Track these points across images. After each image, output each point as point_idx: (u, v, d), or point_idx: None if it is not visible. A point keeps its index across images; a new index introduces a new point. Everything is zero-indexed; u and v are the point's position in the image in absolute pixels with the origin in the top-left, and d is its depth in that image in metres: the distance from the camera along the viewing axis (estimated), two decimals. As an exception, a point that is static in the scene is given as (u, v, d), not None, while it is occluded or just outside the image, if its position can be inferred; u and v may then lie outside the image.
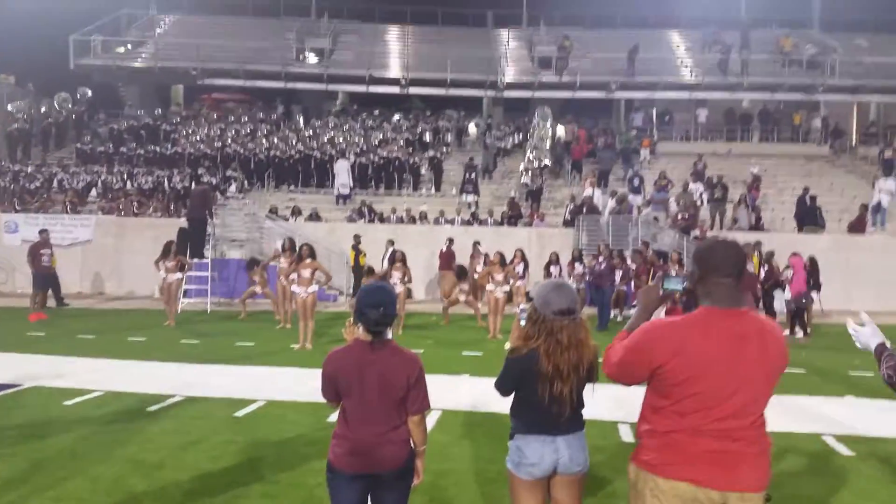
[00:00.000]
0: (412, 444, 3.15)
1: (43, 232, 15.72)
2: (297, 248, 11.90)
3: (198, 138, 24.39)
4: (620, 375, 2.60)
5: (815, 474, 5.52)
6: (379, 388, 3.03)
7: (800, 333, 13.13)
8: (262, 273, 14.71)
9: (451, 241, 17.14)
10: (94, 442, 5.96)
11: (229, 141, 23.90)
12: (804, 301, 13.16)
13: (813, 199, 18.82)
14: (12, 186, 21.31)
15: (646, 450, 2.51)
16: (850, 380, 9.32)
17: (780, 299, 14.37)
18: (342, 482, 3.07)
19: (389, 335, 3.16)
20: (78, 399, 7.46)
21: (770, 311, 14.48)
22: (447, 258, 16.78)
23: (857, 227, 18.40)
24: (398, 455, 3.06)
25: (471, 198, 21.02)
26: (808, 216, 18.49)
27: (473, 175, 21.51)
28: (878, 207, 19.54)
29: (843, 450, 6.16)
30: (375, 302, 3.06)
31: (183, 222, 17.00)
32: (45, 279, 15.00)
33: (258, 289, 14.62)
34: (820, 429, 6.82)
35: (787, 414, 7.40)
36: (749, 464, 2.42)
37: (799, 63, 27.12)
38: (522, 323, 3.10)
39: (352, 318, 3.20)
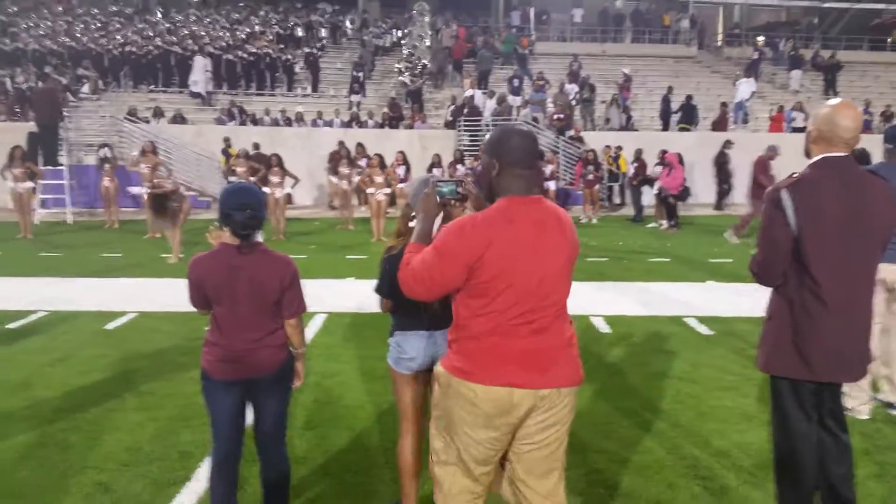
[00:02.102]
0: (290, 348, 3.07)
1: None
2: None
3: (41, 32, 21.97)
4: (432, 286, 2.39)
5: (679, 353, 5.94)
6: (250, 293, 2.90)
7: (665, 224, 13.93)
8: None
9: (341, 143, 16.55)
10: (-54, 364, 5.50)
11: (79, 35, 21.70)
12: (683, 196, 13.86)
13: (689, 97, 19.60)
14: None
15: (458, 356, 2.40)
16: (711, 266, 10.03)
17: (649, 194, 15.15)
18: (218, 389, 2.97)
19: (260, 238, 3.01)
20: (-77, 320, 6.83)
21: (638, 205, 15.27)
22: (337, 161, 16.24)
23: (719, 124, 19.43)
24: (274, 359, 2.98)
25: (357, 98, 20.38)
26: (686, 114, 19.28)
27: (360, 74, 20.78)
28: (739, 105, 20.69)
29: (704, 330, 6.67)
30: (241, 204, 2.86)
31: (31, 126, 15.52)
32: None
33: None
34: (683, 311, 7.33)
35: (653, 299, 7.93)
36: (562, 359, 2.40)
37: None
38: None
39: (216, 223, 3.00)
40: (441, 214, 2.67)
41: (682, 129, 19.18)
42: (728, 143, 16.57)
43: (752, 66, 23.18)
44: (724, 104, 19.82)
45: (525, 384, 2.33)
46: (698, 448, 4.10)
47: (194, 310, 3.07)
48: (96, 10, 24.30)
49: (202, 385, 3.01)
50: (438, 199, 2.59)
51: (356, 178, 14.47)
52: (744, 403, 4.80)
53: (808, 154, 2.84)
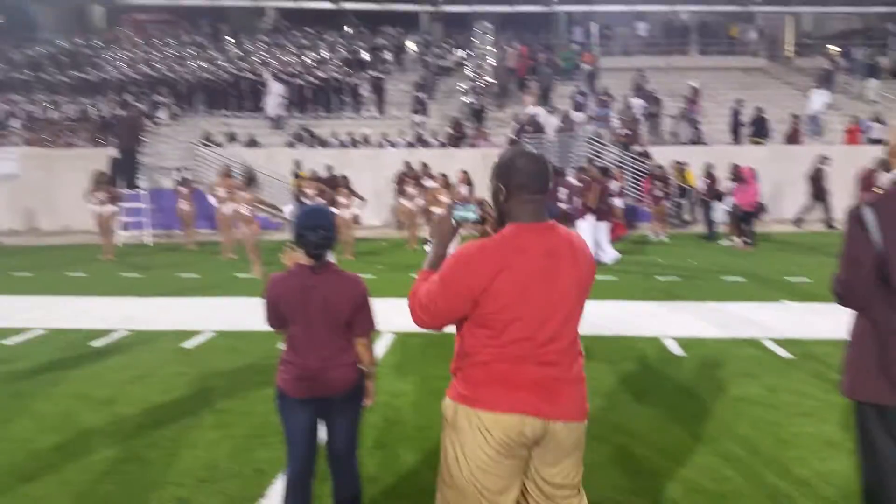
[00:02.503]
0: (361, 367, 3.13)
1: (-37, 166, 14.87)
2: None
3: (122, 63, 23.08)
4: (437, 316, 2.33)
5: (757, 377, 5.75)
6: (323, 312, 2.97)
7: (739, 241, 13.55)
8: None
9: (408, 164, 16.78)
10: (38, 380, 5.79)
11: (156, 64, 22.71)
12: (758, 212, 13.48)
13: (760, 110, 19.11)
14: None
15: (465, 384, 2.33)
16: (788, 286, 9.68)
17: (720, 210, 14.77)
18: (292, 407, 3.05)
19: (332, 258, 3.08)
20: (18, 338, 7.21)
21: (708, 221, 14.89)
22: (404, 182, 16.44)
23: (792, 137, 18.83)
24: (346, 378, 3.04)
25: (419, 118, 20.66)
26: (757, 128, 18.79)
27: (423, 95, 21.07)
28: (812, 118, 20.02)
29: (782, 352, 6.44)
30: (314, 224, 2.97)
31: (113, 152, 16.29)
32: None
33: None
34: (759, 333, 7.10)
35: (728, 320, 7.70)
36: (570, 391, 2.33)
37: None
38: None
39: (291, 244, 3.10)
40: (458, 239, 2.61)
41: (754, 143, 18.66)
42: (824, 159, 15.95)
43: (826, 77, 22.41)
44: (796, 116, 19.20)
45: (536, 413, 2.26)
46: (778, 476, 3.95)
47: (269, 329, 3.16)
48: (172, 40, 25.35)
49: (277, 403, 3.09)
50: (455, 222, 2.50)
51: (422, 199, 14.63)
52: (826, 430, 4.60)
53: (887, 167, 2.72)
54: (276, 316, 3.07)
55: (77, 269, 11.77)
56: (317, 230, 2.96)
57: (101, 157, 16.41)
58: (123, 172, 15.37)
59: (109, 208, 13.15)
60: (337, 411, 3.07)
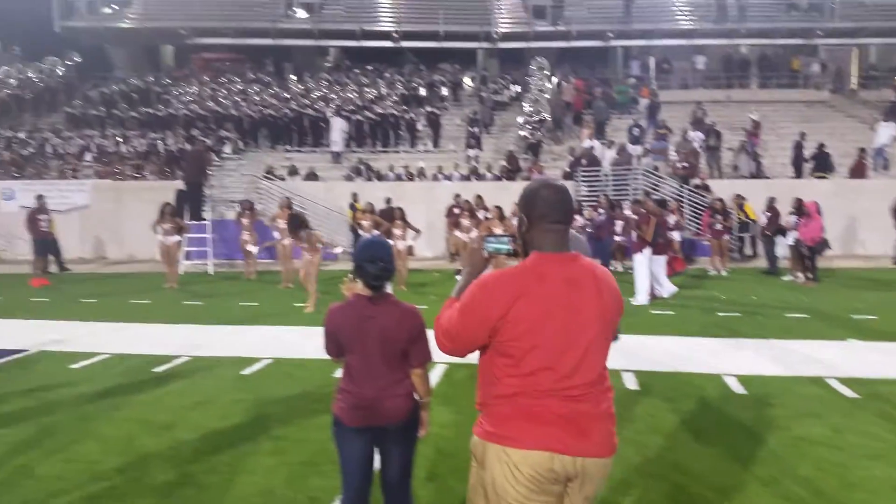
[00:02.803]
0: (416, 397, 3.15)
1: (40, 198, 15.64)
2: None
3: (189, 99, 24.03)
4: (457, 342, 2.36)
5: (821, 416, 5.55)
6: (380, 343, 3.02)
7: (801, 277, 13.16)
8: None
9: (457, 196, 16.91)
10: (103, 404, 5.99)
11: (222, 101, 23.57)
12: (821, 247, 13.10)
13: (821, 145, 18.66)
14: (6, 154, 21.11)
15: (492, 420, 2.31)
16: (853, 323, 9.34)
17: (782, 244, 14.39)
18: (348, 436, 3.08)
19: (389, 289, 3.14)
20: (84, 362, 7.48)
21: (772, 257, 14.52)
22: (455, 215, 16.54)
23: (857, 171, 18.29)
24: (402, 408, 3.07)
25: (473, 152, 20.85)
26: (819, 163, 18.35)
27: (477, 129, 21.30)
28: (879, 151, 19.43)
29: (847, 392, 6.20)
30: (373, 256, 3.04)
31: (180, 184, 16.88)
32: (45, 244, 14.99)
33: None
34: (824, 372, 6.85)
35: (791, 358, 7.46)
36: (600, 427, 2.30)
37: (797, 7, 26.62)
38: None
39: (350, 275, 3.17)
40: (489, 270, 2.59)
41: (818, 178, 18.19)
42: None
43: (892, 109, 21.74)
44: (862, 150, 18.66)
45: (566, 450, 2.23)
46: (846, 521, 3.79)
47: (326, 357, 3.23)
48: (237, 78, 26.29)
49: (333, 431, 3.13)
50: (487, 254, 2.52)
51: (475, 232, 14.68)
52: (895, 474, 4.41)
53: None
54: (334, 345, 3.13)
55: (142, 296, 12.17)
56: (376, 262, 3.03)
57: (168, 189, 17.01)
58: (189, 204, 15.89)
59: (174, 239, 13.61)
60: (392, 441, 3.10)
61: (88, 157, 21.22)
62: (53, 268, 15.53)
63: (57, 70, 26.14)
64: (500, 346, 2.28)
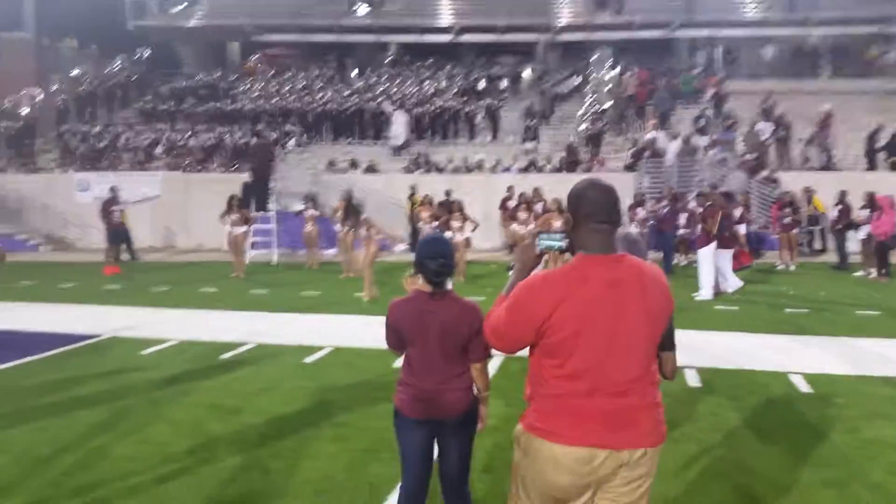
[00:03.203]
0: (475, 391, 3.18)
1: (113, 189, 16.27)
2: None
3: (255, 94, 24.58)
4: (505, 340, 2.42)
5: (893, 419, 5.35)
6: (440, 337, 3.06)
7: (874, 273, 12.68)
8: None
9: (510, 189, 16.86)
10: (173, 389, 6.23)
11: (287, 96, 24.03)
12: (894, 242, 12.60)
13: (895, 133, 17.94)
14: (81, 147, 22.04)
15: (537, 415, 2.37)
16: (930, 322, 8.96)
17: (854, 239, 13.87)
18: (408, 427, 3.14)
19: (450, 286, 3.17)
20: (155, 348, 7.78)
21: (842, 252, 14.01)
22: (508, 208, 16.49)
23: (935, 163, 17.45)
24: (461, 402, 3.10)
25: (531, 144, 20.73)
26: (893, 148, 17.60)
27: (534, 121, 21.18)
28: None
29: (923, 393, 5.96)
30: (435, 253, 3.08)
31: (246, 177, 17.32)
32: (118, 234, 15.60)
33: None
34: (894, 372, 6.59)
35: (861, 357, 7.21)
36: (644, 418, 2.32)
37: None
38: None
39: (412, 270, 3.22)
40: (542, 267, 2.60)
41: (893, 165, 17.42)
42: None
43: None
44: (942, 141, 17.77)
45: (607, 444, 2.26)
46: (919, 526, 3.66)
47: (384, 346, 3.29)
48: (302, 73, 26.75)
49: (394, 422, 3.20)
50: (539, 250, 2.53)
51: (532, 225, 14.59)
52: (976, 480, 4.22)
53: None
54: (395, 338, 3.19)
55: (209, 285, 12.57)
56: (437, 259, 3.07)
57: (234, 181, 17.48)
58: (255, 196, 16.30)
59: (241, 229, 13.99)
60: (450, 434, 3.14)
61: (159, 149, 21.95)
62: (125, 256, 16.16)
63: (129, 66, 27.09)
64: (546, 347, 2.32)
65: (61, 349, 7.79)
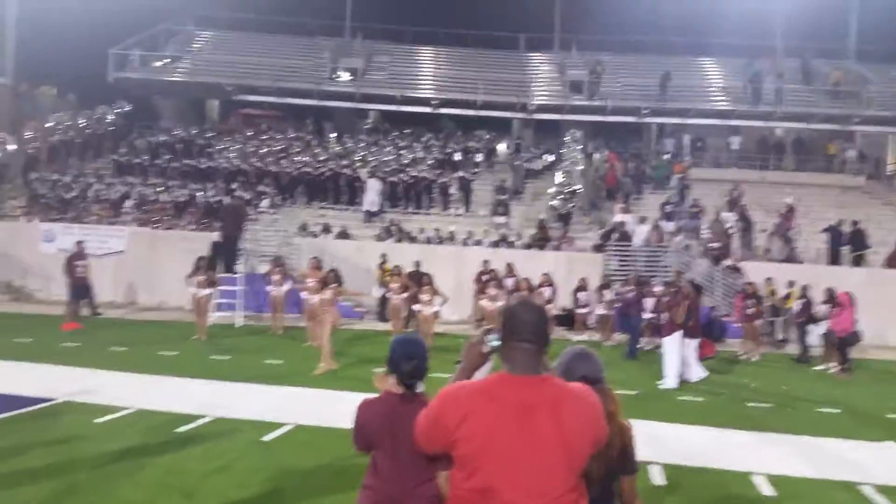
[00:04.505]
0: (440, 499, 3.11)
1: (79, 243, 16.01)
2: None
3: (232, 154, 24.65)
4: (424, 444, 2.47)
5: (854, 528, 5.36)
6: (409, 442, 2.97)
7: (834, 367, 12.90)
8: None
9: (486, 263, 16.94)
10: (125, 464, 6.01)
11: (264, 157, 24.13)
12: (852, 339, 12.87)
13: (855, 223, 18.56)
14: (50, 195, 21.75)
15: None
16: (890, 423, 9.08)
17: (815, 333, 14.14)
18: None
19: (421, 388, 3.14)
20: (109, 416, 7.53)
21: (803, 345, 14.24)
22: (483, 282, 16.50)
23: (893, 261, 18.03)
24: None
25: (501, 219, 21.00)
26: (856, 241, 18.20)
27: (505, 196, 21.51)
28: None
29: (883, 502, 5.99)
30: (409, 353, 3.05)
31: (215, 236, 17.18)
32: (80, 289, 15.25)
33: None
34: (857, 477, 6.63)
35: (823, 459, 7.26)
36: None
37: (834, 93, 26.77)
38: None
39: (384, 368, 3.18)
40: (489, 364, 2.61)
41: (856, 258, 17.97)
42: None
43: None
44: (901, 239, 18.44)
45: None
46: None
47: (347, 426, 3.21)
48: (280, 135, 26.98)
49: (356, 529, 3.09)
50: (487, 349, 2.55)
51: (501, 302, 14.65)
52: None
53: None
54: (363, 439, 3.13)
55: (170, 347, 12.26)
56: (411, 360, 3.04)
57: (203, 239, 17.33)
58: (224, 256, 16.13)
59: (206, 292, 13.78)
60: (413, 541, 3.05)
61: (129, 203, 21.74)
62: (85, 311, 15.77)
63: (106, 118, 27.06)
64: (456, 459, 2.34)
65: (10, 413, 7.50)
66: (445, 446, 2.34)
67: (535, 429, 2.24)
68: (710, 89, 28.07)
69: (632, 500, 2.86)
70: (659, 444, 7.18)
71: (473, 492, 2.28)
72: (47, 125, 25.86)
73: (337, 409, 8.00)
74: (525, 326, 2.35)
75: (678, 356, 10.97)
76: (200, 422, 7.51)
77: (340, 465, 6.14)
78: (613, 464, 2.77)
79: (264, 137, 26.62)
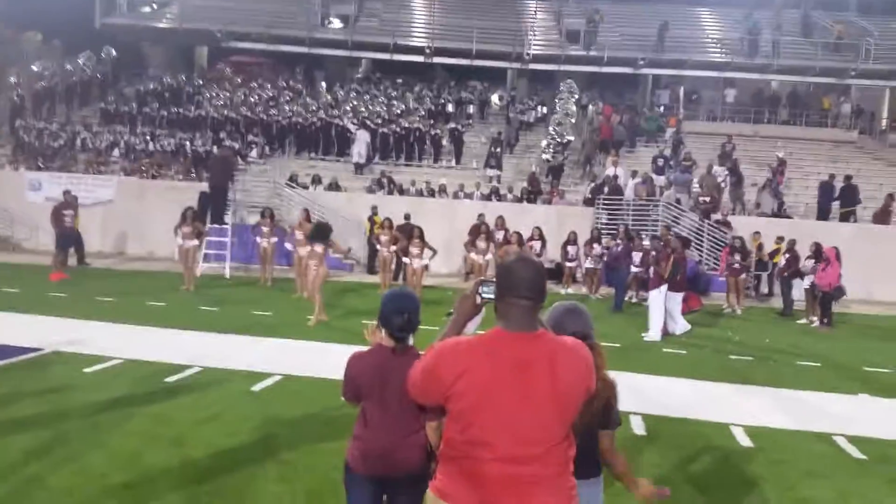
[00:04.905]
0: (429, 449, 3.18)
1: (67, 192, 15.89)
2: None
3: (221, 102, 24.30)
4: (419, 397, 2.53)
5: (827, 477, 5.52)
6: (399, 394, 3.04)
7: (816, 322, 13.09)
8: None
9: (481, 217, 16.88)
10: (114, 414, 6.08)
11: (253, 106, 23.79)
12: (837, 294, 13.02)
13: (849, 177, 18.55)
14: (37, 144, 21.49)
15: (440, 476, 2.44)
16: (866, 376, 9.27)
17: (799, 287, 14.29)
18: (357, 483, 3.13)
19: (411, 341, 3.18)
20: (98, 366, 7.59)
21: (787, 299, 14.41)
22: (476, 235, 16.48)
23: (882, 216, 18.13)
24: (413, 459, 3.10)
25: (493, 172, 20.90)
26: (847, 197, 18.24)
27: (498, 149, 21.37)
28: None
29: (855, 452, 6.15)
30: (400, 308, 3.09)
31: (204, 186, 17.07)
32: (68, 239, 15.21)
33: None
34: (831, 428, 6.79)
35: (800, 410, 7.41)
36: (546, 487, 2.32)
37: (831, 46, 26.47)
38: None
39: (375, 322, 3.22)
40: (480, 316, 2.66)
41: (844, 215, 18.03)
42: None
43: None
44: (890, 195, 18.49)
45: None
46: None
47: (335, 377, 3.27)
48: (269, 84, 26.55)
49: (344, 477, 3.18)
50: (480, 300, 2.58)
51: (491, 255, 14.74)
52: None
53: None
54: (352, 391, 3.19)
55: (158, 297, 12.30)
56: (402, 314, 3.08)
57: (192, 190, 17.23)
58: (212, 207, 16.05)
59: (193, 243, 13.75)
60: (401, 492, 3.13)
61: (116, 152, 21.53)
62: (73, 261, 15.74)
63: (92, 65, 26.54)
64: (451, 412, 2.38)
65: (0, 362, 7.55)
66: (439, 399, 2.39)
67: (530, 383, 2.30)
68: (707, 41, 27.70)
69: (611, 455, 2.93)
70: (641, 395, 7.31)
71: (468, 444, 2.34)
72: (32, 72, 25.36)
73: (325, 360, 8.12)
74: (522, 283, 2.38)
75: (662, 309, 11.11)
76: (189, 372, 7.58)
77: (329, 414, 6.24)
78: (595, 418, 2.82)
79: (254, 85, 26.19)
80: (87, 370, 7.43)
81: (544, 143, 21.85)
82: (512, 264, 2.44)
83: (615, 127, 22.90)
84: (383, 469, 3.08)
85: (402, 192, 19.70)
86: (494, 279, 2.50)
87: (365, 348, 3.24)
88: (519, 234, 15.18)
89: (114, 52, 27.33)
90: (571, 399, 2.36)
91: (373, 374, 3.10)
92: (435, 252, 14.01)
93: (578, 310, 3.03)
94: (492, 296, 2.52)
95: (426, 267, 14.10)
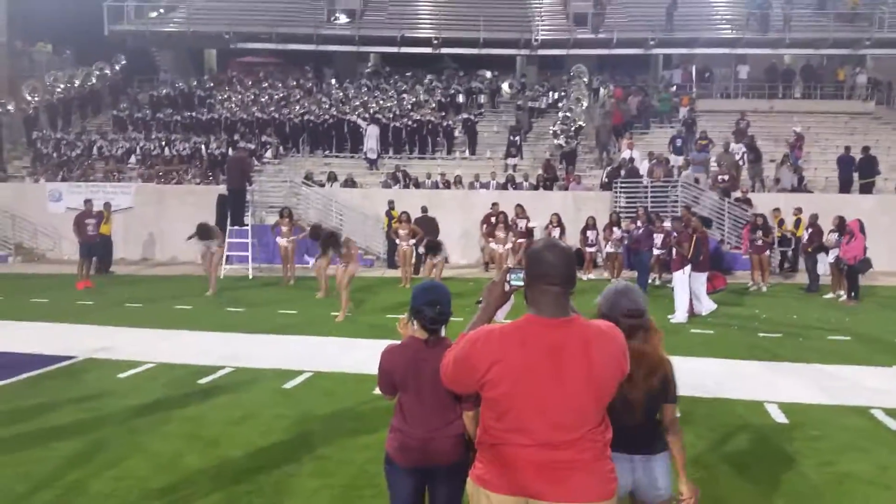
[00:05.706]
0: (467, 438, 3.19)
1: (87, 202, 16.05)
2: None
3: (233, 104, 24.39)
4: (453, 385, 2.55)
5: (867, 451, 5.46)
6: (433, 385, 3.05)
7: (843, 296, 12.95)
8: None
9: (495, 206, 16.86)
10: (150, 418, 6.14)
11: (264, 106, 23.86)
12: (863, 266, 12.86)
13: (867, 148, 18.30)
14: (55, 155, 21.70)
15: (479, 463, 2.47)
16: (898, 348, 9.17)
17: (824, 262, 14.13)
18: (398, 474, 3.15)
19: (443, 333, 3.19)
20: (131, 371, 7.68)
21: (813, 274, 14.26)
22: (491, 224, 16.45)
23: (904, 186, 17.89)
24: (452, 450, 3.11)
25: (514, 160, 20.84)
26: (866, 168, 17.98)
27: (517, 137, 21.29)
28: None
29: (893, 425, 6.08)
30: (432, 300, 3.10)
31: (222, 189, 17.16)
32: (91, 248, 15.36)
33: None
34: (867, 402, 6.72)
35: (834, 385, 7.35)
36: (583, 472, 2.33)
37: (844, 17, 26.06)
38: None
39: (407, 315, 3.23)
40: (510, 303, 2.67)
41: (865, 185, 17.78)
42: None
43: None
44: (911, 164, 18.23)
45: (539, 495, 2.31)
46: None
47: (364, 371, 3.29)
48: (280, 84, 26.61)
49: (385, 468, 3.20)
50: (509, 287, 2.59)
51: (510, 244, 14.73)
52: (947, 519, 4.32)
53: None
54: (387, 383, 3.20)
55: (184, 301, 12.42)
56: (434, 306, 3.09)
57: (210, 193, 17.32)
58: (231, 209, 16.13)
59: (215, 249, 13.79)
60: (441, 482, 3.14)
61: (133, 159, 21.69)
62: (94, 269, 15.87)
63: (104, 73, 26.73)
64: (486, 399, 2.40)
65: (35, 372, 7.65)
66: (474, 387, 2.41)
67: (565, 369, 2.32)
68: (716, 17, 27.40)
69: (673, 424, 3.02)
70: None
71: (505, 431, 2.36)
72: (46, 83, 25.59)
73: (353, 355, 8.21)
74: (552, 269, 2.39)
75: (687, 290, 11.04)
76: (221, 373, 7.64)
77: (361, 409, 6.28)
78: (656, 393, 2.91)
79: (264, 86, 26.26)
80: (120, 375, 7.52)
81: (555, 128, 21.64)
82: (541, 251, 2.45)
83: (625, 108, 22.71)
84: (422, 460, 3.10)
85: (417, 185, 19.69)
86: (523, 266, 2.50)
87: (395, 342, 3.25)
88: (504, 214, 15.19)
89: (123, 60, 27.50)
90: (606, 383, 2.38)
91: (406, 367, 3.12)
92: (422, 237, 14.12)
93: (631, 289, 3.08)
94: (521, 283, 2.53)
95: (445, 259, 14.09)
